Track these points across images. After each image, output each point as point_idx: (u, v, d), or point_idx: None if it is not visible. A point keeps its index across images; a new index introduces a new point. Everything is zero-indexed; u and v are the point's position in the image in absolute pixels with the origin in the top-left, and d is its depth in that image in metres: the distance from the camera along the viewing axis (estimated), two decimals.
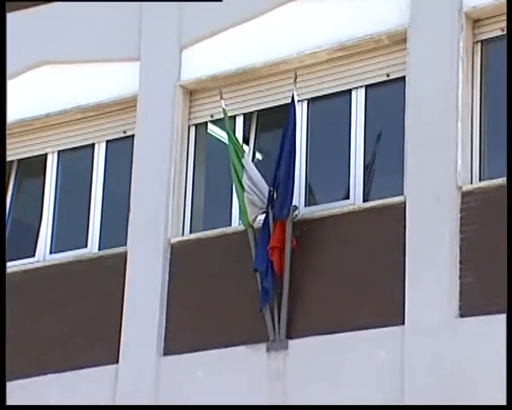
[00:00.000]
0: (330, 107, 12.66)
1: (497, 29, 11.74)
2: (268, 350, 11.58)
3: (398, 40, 11.99)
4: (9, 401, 12.90)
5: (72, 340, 12.87)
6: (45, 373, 12.83)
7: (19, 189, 14.64)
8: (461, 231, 11.05)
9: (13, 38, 14.61)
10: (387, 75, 12.13)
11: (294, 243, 11.64)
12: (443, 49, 11.70)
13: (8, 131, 14.21)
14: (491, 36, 11.80)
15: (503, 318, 10.35)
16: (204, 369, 11.84)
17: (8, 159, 14.42)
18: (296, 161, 11.93)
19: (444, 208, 11.16)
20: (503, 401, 10.04)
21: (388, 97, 12.20)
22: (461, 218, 11.11)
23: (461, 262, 10.92)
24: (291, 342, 11.50)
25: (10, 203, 14.54)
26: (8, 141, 14.32)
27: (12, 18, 14.73)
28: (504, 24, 11.64)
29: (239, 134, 12.72)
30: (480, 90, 11.64)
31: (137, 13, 13.95)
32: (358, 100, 12.34)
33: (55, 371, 12.75)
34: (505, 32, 11.66)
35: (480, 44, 11.81)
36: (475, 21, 11.81)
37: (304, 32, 12.64)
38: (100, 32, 14.10)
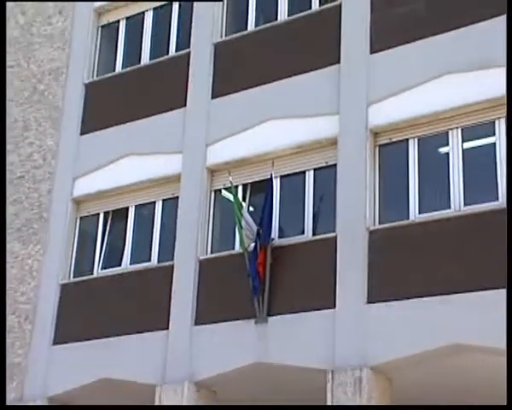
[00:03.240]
0: (293, 181, 12.85)
1: (387, 138, 12.10)
2: (256, 323, 11.99)
3: (332, 142, 12.40)
4: (108, 353, 13.18)
5: (141, 316, 13.16)
6: (121, 335, 13.12)
7: (111, 227, 14.70)
8: (368, 256, 11.50)
9: (107, 140, 14.85)
10: (326, 163, 12.53)
11: (272, 260, 12.05)
12: (358, 148, 12.01)
13: (105, 194, 14.51)
14: (385, 142, 12.11)
15: (394, 303, 10.94)
16: (219, 332, 12.24)
17: (107, 210, 14.67)
18: (273, 212, 12.34)
19: (359, 241, 11.57)
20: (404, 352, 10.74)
21: (327, 176, 12.44)
22: (368, 247, 11.54)
23: (368, 274, 11.37)
24: (270, 319, 11.91)
25: (108, 236, 14.63)
26: (104, 200, 14.61)
27: (108, 132, 14.95)
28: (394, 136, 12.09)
29: (240, 196, 13.10)
30: (378, 171, 11.98)
31: (180, 122, 14.03)
32: (310, 177, 12.70)
33: (130, 333, 13.06)
34: (402, 138, 11.95)
35: (378, 147, 12.15)
36: (376, 134, 12.09)
37: (278, 136, 12.91)
38: (152, 137, 14.25)
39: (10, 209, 15.24)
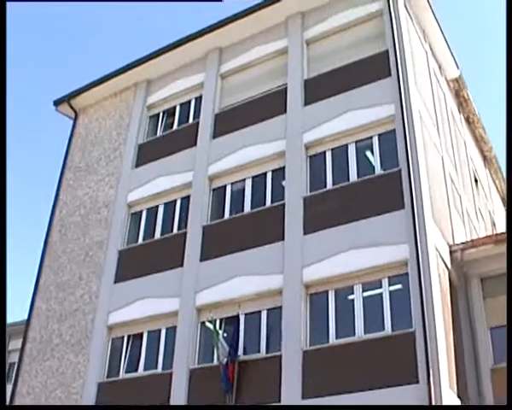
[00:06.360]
0: (253, 317, 12.84)
1: (314, 290, 12.27)
2: None
3: (279, 292, 12.53)
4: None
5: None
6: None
7: (132, 345, 14.49)
8: (303, 367, 11.60)
9: (130, 287, 14.97)
10: (275, 305, 12.56)
11: (238, 369, 12.25)
12: (296, 296, 12.20)
13: (128, 323, 14.54)
14: (313, 292, 12.21)
15: (320, 398, 11.08)
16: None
17: (129, 334, 14.53)
18: (239, 338, 12.38)
19: (296, 357, 11.71)
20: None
21: (276, 313, 12.38)
22: (303, 361, 11.74)
23: (302, 379, 11.51)
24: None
25: (130, 351, 14.38)
26: (127, 328, 14.61)
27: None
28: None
29: (217, 326, 13.01)
30: (309, 311, 12.17)
31: (179, 277, 14.08)
32: (264, 315, 12.65)
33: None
34: (324, 290, 12.00)
35: (309, 295, 12.31)
36: (307, 287, 12.29)
37: (243, 288, 13.00)
38: (158, 286, 14.20)
39: (68, 331, 15.78)
